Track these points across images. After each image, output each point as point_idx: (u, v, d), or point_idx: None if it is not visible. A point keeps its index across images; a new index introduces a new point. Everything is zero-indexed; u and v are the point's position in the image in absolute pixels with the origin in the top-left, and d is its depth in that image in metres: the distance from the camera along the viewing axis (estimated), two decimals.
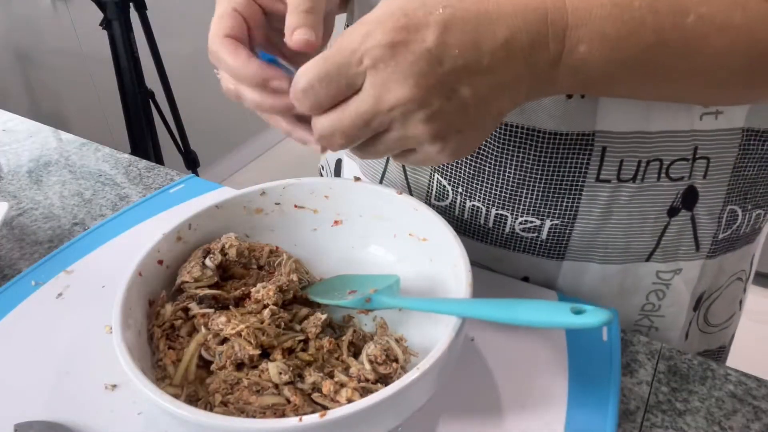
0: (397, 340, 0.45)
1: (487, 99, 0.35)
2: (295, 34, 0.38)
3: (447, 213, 0.57)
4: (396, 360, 0.44)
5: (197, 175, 1.43)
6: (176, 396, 0.38)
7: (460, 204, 0.55)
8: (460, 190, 0.54)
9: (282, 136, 2.79)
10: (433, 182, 0.56)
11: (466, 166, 0.53)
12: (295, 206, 0.55)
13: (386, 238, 0.54)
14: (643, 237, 0.52)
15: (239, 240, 0.51)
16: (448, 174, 0.54)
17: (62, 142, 0.86)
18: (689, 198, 0.50)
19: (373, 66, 0.33)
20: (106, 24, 1.54)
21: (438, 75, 0.33)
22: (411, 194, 0.53)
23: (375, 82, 0.34)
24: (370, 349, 0.44)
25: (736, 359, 0.63)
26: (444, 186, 0.55)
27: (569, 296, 0.55)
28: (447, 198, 0.56)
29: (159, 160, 1.76)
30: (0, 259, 0.62)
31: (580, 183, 0.50)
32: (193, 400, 0.42)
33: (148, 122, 1.68)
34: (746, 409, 0.45)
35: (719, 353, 0.65)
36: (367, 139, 0.37)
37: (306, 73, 0.35)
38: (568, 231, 0.53)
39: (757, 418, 0.44)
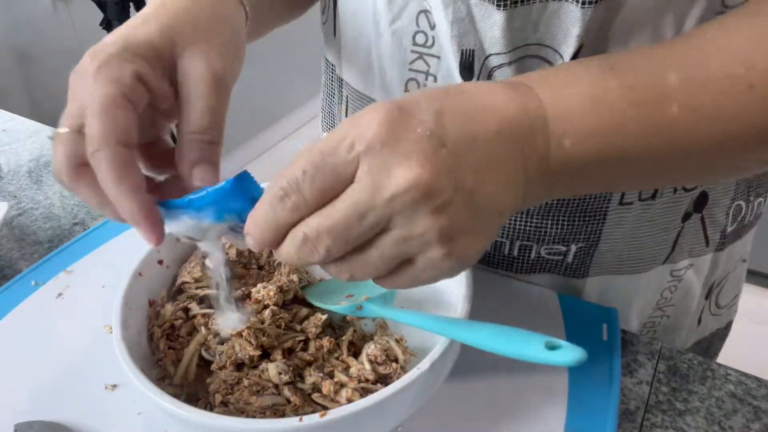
0: (397, 340, 0.45)
1: (491, 192, 0.31)
2: (195, 171, 0.35)
3: None
4: (396, 360, 0.44)
5: None
6: (176, 396, 0.38)
7: None
8: None
9: (282, 136, 2.79)
10: None
11: None
12: None
13: None
14: (660, 246, 0.54)
15: None
16: None
17: None
18: (700, 202, 0.52)
19: (366, 150, 0.28)
20: (106, 24, 1.54)
21: (443, 158, 0.28)
22: None
23: (371, 166, 0.28)
24: (370, 349, 0.43)
25: (736, 359, 0.63)
26: None
27: (575, 298, 0.55)
28: None
29: None
30: (0, 259, 0.62)
31: (604, 208, 0.50)
32: (193, 400, 0.42)
33: None
34: (746, 409, 0.45)
35: (727, 328, 0.68)
36: (354, 248, 0.30)
37: (288, 169, 0.29)
38: (592, 251, 0.53)
39: (757, 418, 0.44)
